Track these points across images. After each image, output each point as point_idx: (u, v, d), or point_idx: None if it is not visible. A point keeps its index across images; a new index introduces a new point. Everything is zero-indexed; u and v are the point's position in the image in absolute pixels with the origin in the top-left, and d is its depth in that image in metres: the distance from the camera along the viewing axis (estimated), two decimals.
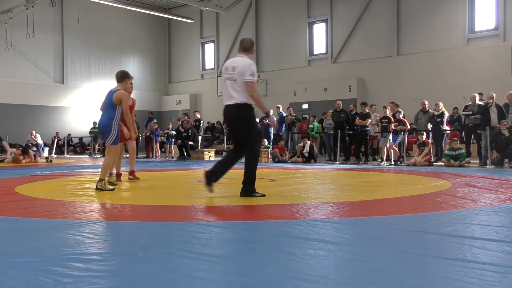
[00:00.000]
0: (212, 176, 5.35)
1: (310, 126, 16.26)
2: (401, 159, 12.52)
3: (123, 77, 6.59)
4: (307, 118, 18.40)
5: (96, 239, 3.21)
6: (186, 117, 18.33)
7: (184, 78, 28.85)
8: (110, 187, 6.26)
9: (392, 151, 12.66)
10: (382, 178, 8.59)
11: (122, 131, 6.75)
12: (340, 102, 14.31)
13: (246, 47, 5.51)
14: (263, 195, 5.35)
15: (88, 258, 2.70)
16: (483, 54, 17.83)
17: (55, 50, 24.99)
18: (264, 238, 3.26)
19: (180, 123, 17.21)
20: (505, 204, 4.76)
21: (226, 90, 5.39)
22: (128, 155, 8.71)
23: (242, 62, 5.36)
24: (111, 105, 6.25)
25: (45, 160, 15.82)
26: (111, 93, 6.35)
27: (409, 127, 12.92)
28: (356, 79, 20.65)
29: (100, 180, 6.12)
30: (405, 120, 12.88)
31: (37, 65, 24.22)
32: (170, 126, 18.66)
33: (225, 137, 20.70)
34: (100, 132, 6.49)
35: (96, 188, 6.07)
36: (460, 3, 18.43)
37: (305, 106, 21.82)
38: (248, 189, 5.35)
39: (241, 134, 5.41)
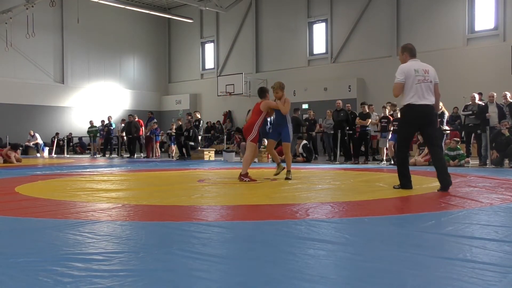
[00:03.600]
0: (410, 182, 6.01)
1: None
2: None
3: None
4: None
5: (96, 239, 3.21)
6: (189, 117, 18.32)
7: (184, 78, 28.83)
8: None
9: (392, 150, 12.64)
10: (382, 178, 8.57)
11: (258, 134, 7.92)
12: (340, 102, 14.30)
13: (415, 53, 6.09)
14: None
15: (88, 258, 2.69)
16: (483, 54, 17.82)
17: (55, 50, 24.99)
18: (264, 238, 3.26)
19: (186, 121, 17.27)
20: (505, 204, 4.76)
21: (420, 91, 5.76)
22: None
23: (429, 66, 5.93)
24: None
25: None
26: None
27: None
28: (356, 79, 20.64)
29: (288, 171, 7.81)
30: None
31: (37, 65, 24.21)
32: (174, 127, 18.65)
33: (225, 137, 20.71)
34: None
35: (288, 178, 7.65)
36: (460, 3, 18.42)
37: (305, 106, 21.82)
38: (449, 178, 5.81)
39: (433, 132, 5.91)
